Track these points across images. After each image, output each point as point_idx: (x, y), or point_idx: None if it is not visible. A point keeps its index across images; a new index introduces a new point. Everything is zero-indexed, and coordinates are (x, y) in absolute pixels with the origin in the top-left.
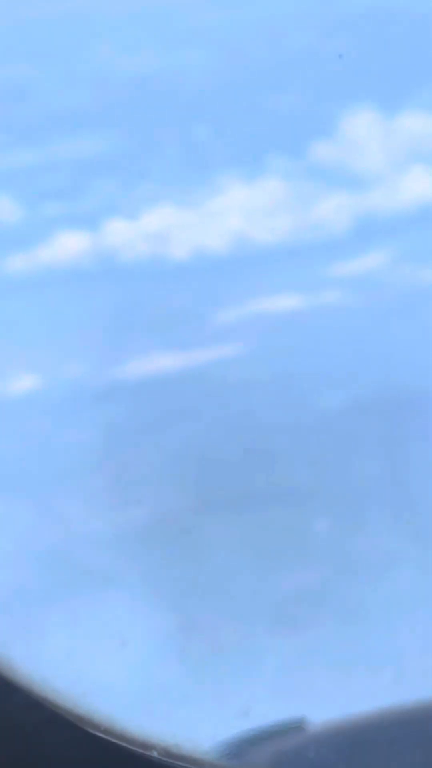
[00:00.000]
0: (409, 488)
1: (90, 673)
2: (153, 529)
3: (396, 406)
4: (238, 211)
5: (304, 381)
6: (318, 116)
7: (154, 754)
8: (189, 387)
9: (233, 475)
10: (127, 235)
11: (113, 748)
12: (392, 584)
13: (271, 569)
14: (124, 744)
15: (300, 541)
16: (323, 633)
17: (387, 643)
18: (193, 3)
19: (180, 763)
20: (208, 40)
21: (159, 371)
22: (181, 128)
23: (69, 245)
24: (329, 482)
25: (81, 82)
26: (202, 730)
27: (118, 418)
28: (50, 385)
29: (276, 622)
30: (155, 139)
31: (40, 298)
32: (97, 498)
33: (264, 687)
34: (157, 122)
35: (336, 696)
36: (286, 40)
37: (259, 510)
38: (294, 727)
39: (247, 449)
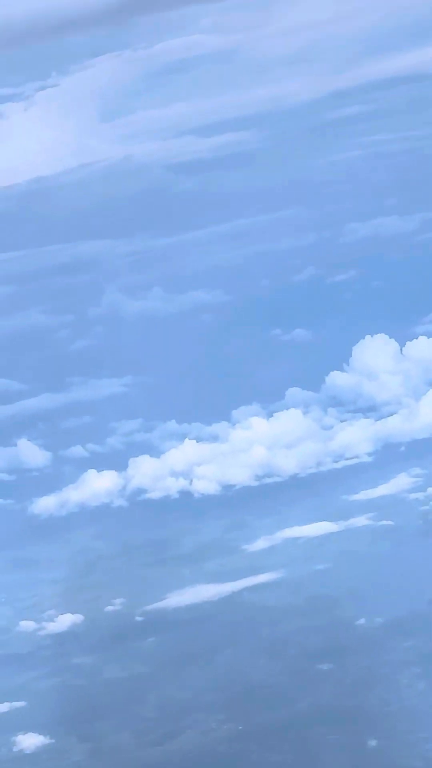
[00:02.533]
0: None
1: None
2: (200, 757)
3: None
4: (261, 442)
5: (340, 603)
6: (332, 347)
7: None
8: (228, 615)
9: (279, 699)
10: (153, 471)
11: None
12: None
13: None
14: None
15: (353, 761)
16: None
17: None
18: (197, 243)
19: None
20: (215, 279)
21: (197, 601)
22: (198, 365)
23: (98, 485)
24: (376, 701)
25: (94, 325)
26: None
27: (160, 649)
28: (91, 622)
29: None
30: (173, 378)
31: (73, 537)
32: (144, 729)
33: None
34: (173, 361)
35: None
36: (294, 274)
37: (308, 732)
38: None
39: (292, 672)
